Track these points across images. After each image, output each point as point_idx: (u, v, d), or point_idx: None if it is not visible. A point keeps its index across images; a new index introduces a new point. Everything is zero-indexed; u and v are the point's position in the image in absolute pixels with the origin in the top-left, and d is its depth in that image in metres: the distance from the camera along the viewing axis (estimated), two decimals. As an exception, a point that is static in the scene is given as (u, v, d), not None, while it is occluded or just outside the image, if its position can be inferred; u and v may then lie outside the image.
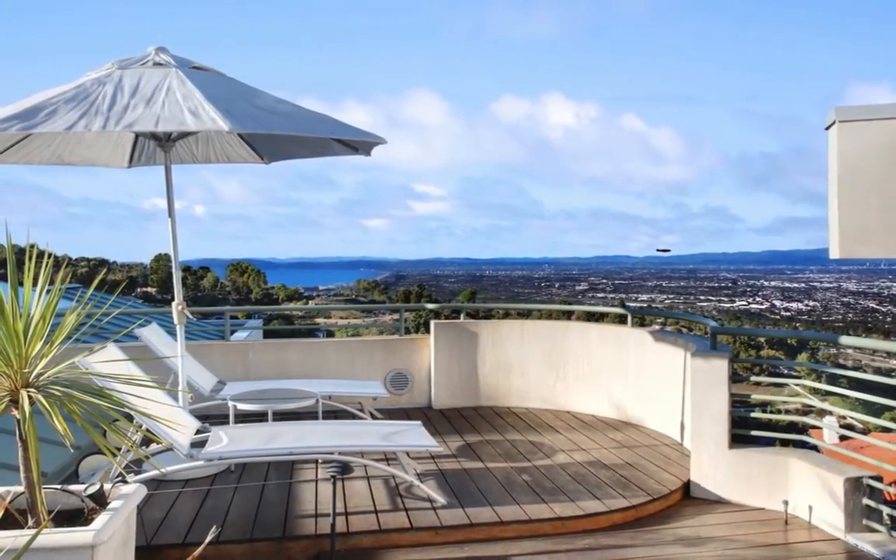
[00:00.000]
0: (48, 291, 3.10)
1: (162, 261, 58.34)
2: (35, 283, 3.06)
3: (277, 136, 6.27)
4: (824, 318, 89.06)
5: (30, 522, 2.95)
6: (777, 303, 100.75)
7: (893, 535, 4.45)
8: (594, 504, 5.00)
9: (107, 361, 4.28)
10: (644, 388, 7.26)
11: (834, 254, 3.73)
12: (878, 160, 3.62)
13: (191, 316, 5.98)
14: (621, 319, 8.21)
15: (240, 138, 6.46)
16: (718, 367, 5.28)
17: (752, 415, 5.45)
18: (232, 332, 10.24)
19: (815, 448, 5.45)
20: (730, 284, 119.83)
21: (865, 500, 4.64)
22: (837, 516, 4.68)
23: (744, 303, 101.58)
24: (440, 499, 5.03)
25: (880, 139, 3.62)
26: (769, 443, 5.57)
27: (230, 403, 6.02)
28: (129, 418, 4.17)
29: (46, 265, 3.13)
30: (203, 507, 4.90)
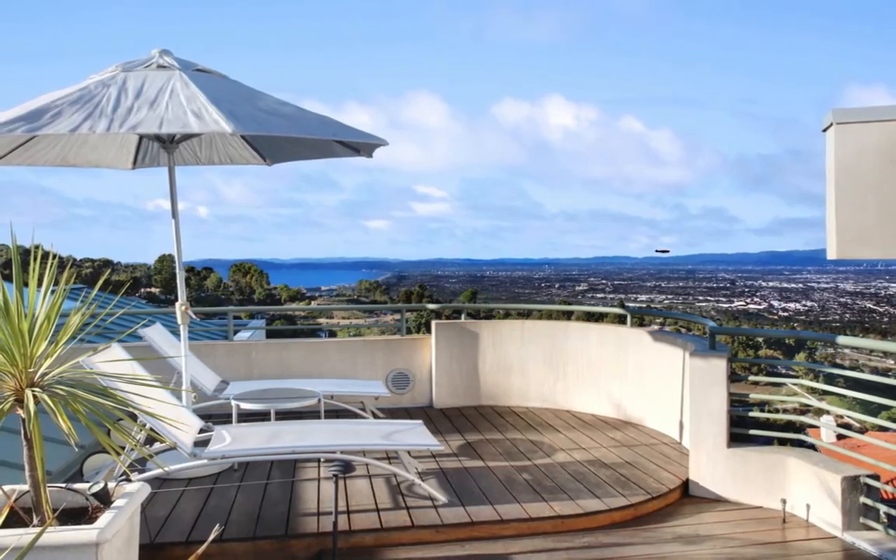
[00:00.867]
0: (53, 292, 3.12)
1: (166, 261, 58.39)
2: (40, 284, 3.09)
3: (280, 137, 6.30)
4: (822, 319, 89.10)
5: (35, 521, 2.97)
6: (775, 303, 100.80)
7: (890, 533, 4.48)
8: (594, 502, 5.03)
9: (111, 361, 4.30)
10: (643, 387, 7.29)
11: (831, 254, 3.76)
12: (875, 161, 3.65)
13: (194, 316, 6.01)
14: (621, 320, 8.24)
15: (243, 140, 6.49)
16: (717, 367, 5.31)
17: (751, 414, 5.47)
18: (235, 333, 10.28)
19: (812, 447, 5.47)
20: (728, 285, 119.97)
21: (863, 499, 4.67)
22: (835, 515, 4.70)
23: (742, 303, 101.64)
24: (441, 497, 5.06)
25: (877, 141, 3.65)
26: (767, 442, 5.61)
27: (233, 403, 6.06)
28: (133, 417, 4.20)
29: (51, 266, 3.15)
30: (206, 506, 4.93)
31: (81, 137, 5.86)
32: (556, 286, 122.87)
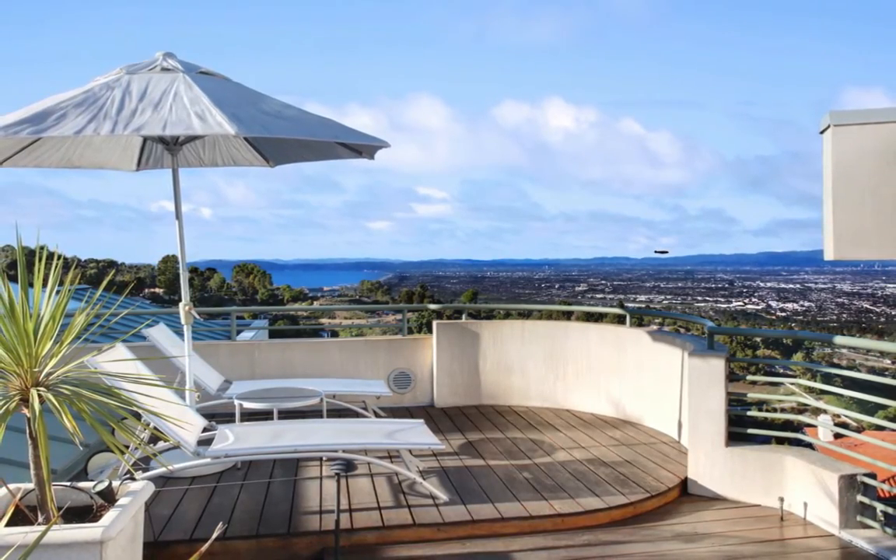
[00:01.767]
0: (58, 292, 3.15)
1: (169, 262, 58.44)
2: (45, 284, 3.12)
3: (282, 139, 6.32)
4: (819, 319, 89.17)
5: (40, 519, 3.01)
6: (773, 303, 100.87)
7: (887, 532, 4.51)
8: (593, 501, 5.06)
9: (115, 361, 4.33)
10: (642, 386, 7.32)
11: (829, 255, 3.78)
12: (872, 163, 3.68)
13: (198, 316, 6.04)
14: (620, 320, 8.28)
15: (246, 142, 6.52)
16: (715, 367, 5.34)
17: (749, 413, 5.50)
18: (238, 333, 10.30)
19: (810, 446, 5.48)
20: (726, 285, 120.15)
21: (860, 497, 4.69)
22: (832, 513, 4.73)
23: (740, 303, 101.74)
24: (442, 496, 5.09)
25: (874, 143, 3.68)
26: (765, 441, 5.63)
27: (236, 402, 6.09)
28: (138, 417, 4.23)
29: (56, 266, 3.18)
30: (210, 504, 4.97)
31: (86, 139, 5.90)
32: (556, 287, 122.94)
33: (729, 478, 5.35)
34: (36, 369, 2.99)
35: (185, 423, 4.78)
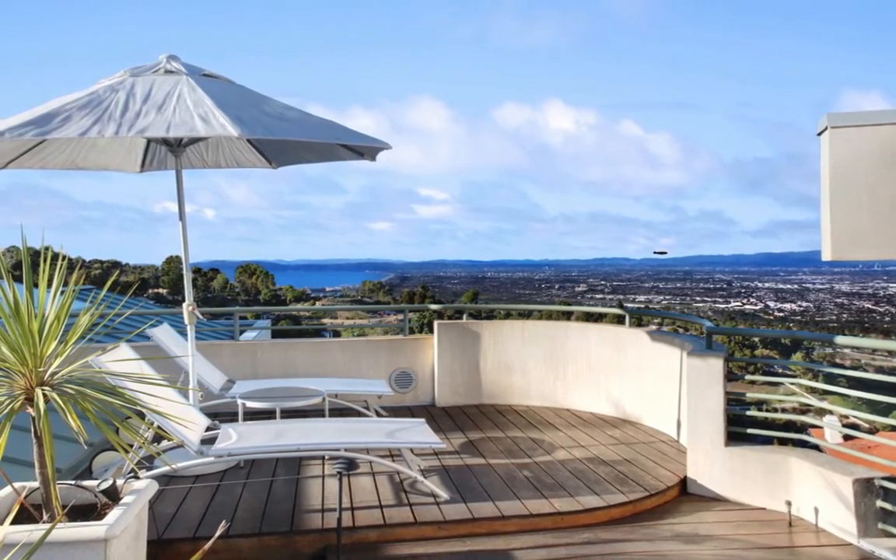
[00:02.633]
0: (62, 292, 3.18)
1: (173, 263, 58.46)
2: (50, 285, 3.14)
3: (285, 141, 6.36)
4: (818, 319, 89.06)
5: (44, 517, 3.03)
6: (771, 303, 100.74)
7: None
8: (593, 499, 5.08)
9: (119, 360, 4.36)
10: (641, 386, 7.35)
11: (826, 256, 3.79)
12: (869, 165, 3.70)
13: (201, 316, 6.08)
14: (619, 320, 8.31)
15: (249, 144, 6.55)
16: (714, 366, 5.36)
17: (748, 413, 5.50)
18: (241, 332, 10.35)
19: (816, 447, 5.34)
20: (725, 286, 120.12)
21: (880, 503, 4.45)
22: (847, 520, 4.52)
23: (738, 304, 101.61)
24: (443, 494, 5.12)
25: (871, 144, 3.70)
26: (767, 441, 5.61)
27: (239, 401, 6.12)
28: (141, 416, 4.27)
29: (61, 267, 3.19)
30: (213, 502, 5.00)
31: (90, 141, 5.93)
32: (556, 287, 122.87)
33: (729, 478, 5.35)
34: (41, 369, 3.01)
35: (189, 423, 4.82)
